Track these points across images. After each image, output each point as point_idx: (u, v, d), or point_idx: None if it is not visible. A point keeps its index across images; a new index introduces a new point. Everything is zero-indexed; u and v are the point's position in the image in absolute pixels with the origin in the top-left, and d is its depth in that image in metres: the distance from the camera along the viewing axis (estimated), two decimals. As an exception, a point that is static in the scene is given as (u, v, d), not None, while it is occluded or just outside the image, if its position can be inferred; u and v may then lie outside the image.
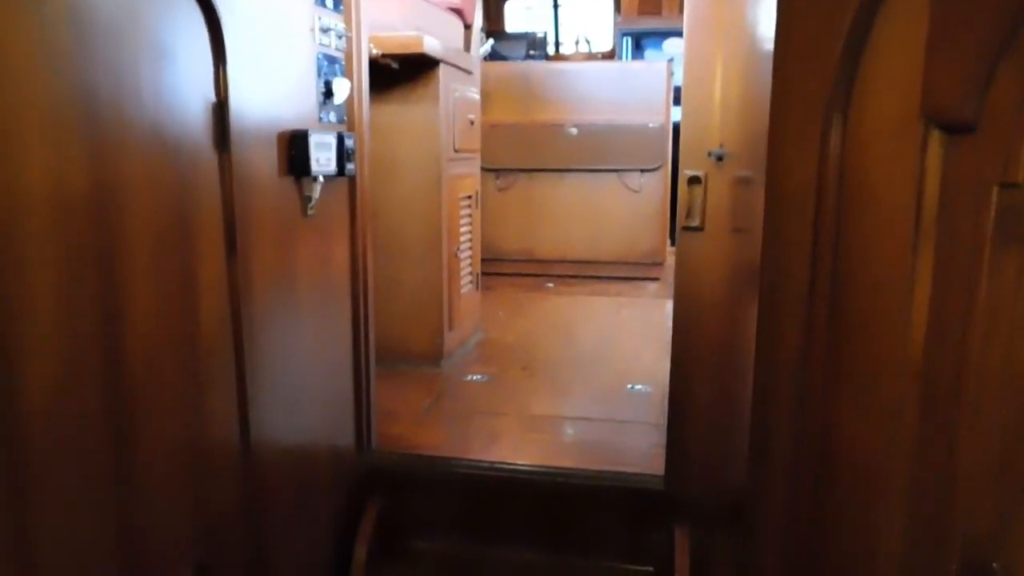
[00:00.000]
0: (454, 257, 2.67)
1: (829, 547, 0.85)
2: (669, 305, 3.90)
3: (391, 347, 2.49)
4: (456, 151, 2.63)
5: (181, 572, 1.12)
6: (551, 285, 4.30)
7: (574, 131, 4.37)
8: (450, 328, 2.65)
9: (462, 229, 2.78)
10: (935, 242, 0.70)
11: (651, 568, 1.75)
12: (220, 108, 1.16)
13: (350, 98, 1.63)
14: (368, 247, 1.78)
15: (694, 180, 1.56)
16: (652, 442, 1.95)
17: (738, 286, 1.38)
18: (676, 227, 1.64)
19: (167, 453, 1.07)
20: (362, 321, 1.81)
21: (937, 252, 0.71)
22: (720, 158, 1.53)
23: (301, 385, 1.51)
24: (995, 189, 0.67)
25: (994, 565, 0.71)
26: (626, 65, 5.60)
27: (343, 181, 1.63)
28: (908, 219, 0.71)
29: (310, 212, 1.48)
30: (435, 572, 1.76)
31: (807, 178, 0.79)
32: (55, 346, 0.87)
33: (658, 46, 6.85)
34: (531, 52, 6.08)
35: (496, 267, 4.39)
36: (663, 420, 2.10)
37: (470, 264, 2.90)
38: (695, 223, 1.57)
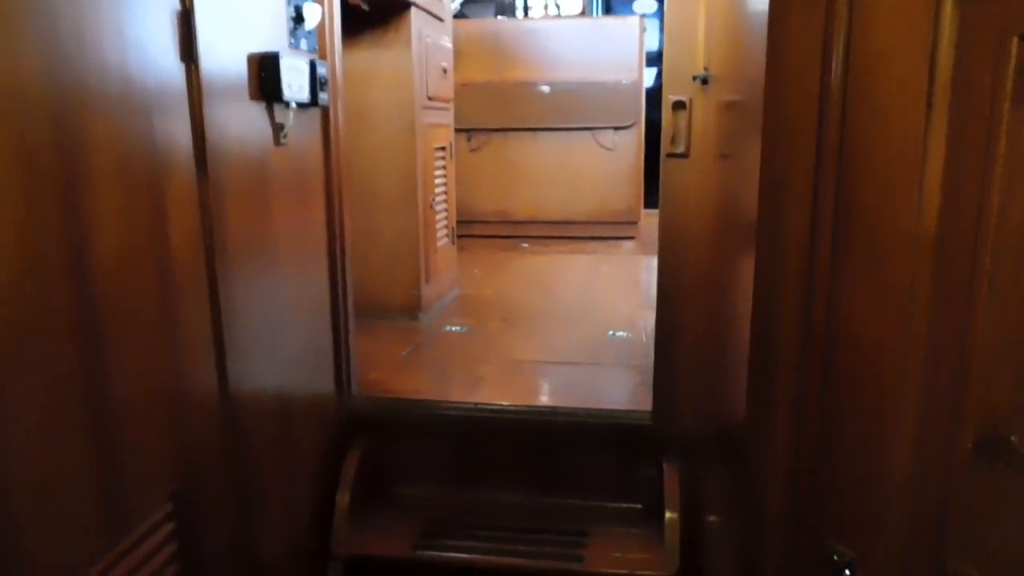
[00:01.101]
0: (430, 208, 2.61)
1: (839, 440, 0.83)
2: (646, 261, 3.90)
3: (368, 300, 2.43)
4: (430, 99, 2.57)
5: (158, 507, 1.07)
6: (526, 245, 4.26)
7: (546, 89, 4.31)
8: (427, 280, 2.60)
9: (437, 181, 2.72)
10: (950, 103, 0.67)
11: (639, 505, 1.74)
12: (186, 17, 1.09)
13: (321, 27, 1.57)
14: (343, 182, 1.73)
15: (679, 105, 1.52)
16: (637, 383, 1.92)
17: (727, 214, 1.35)
18: (661, 156, 1.60)
19: (140, 376, 1.02)
20: (339, 260, 1.76)
21: (952, 114, 0.68)
22: (705, 81, 1.49)
23: (278, 321, 1.45)
24: (1015, 41, 0.63)
25: (1012, 438, 0.69)
26: (597, 21, 5.53)
27: (316, 112, 1.57)
28: (921, 80, 0.68)
29: (283, 141, 1.42)
30: (420, 516, 1.73)
31: (812, 42, 0.75)
32: (16, 259, 0.81)
33: (628, 8, 6.79)
34: (499, 17, 5.99)
35: (470, 229, 4.33)
36: (647, 363, 2.08)
37: (445, 217, 2.85)
38: (680, 149, 1.54)
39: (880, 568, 0.79)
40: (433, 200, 2.65)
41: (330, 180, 1.67)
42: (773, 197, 0.84)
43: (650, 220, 4.86)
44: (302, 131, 1.51)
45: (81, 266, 0.91)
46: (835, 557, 0.83)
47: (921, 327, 0.72)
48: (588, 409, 1.73)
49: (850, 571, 0.82)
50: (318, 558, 1.63)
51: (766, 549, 0.95)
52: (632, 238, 4.43)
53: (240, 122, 1.28)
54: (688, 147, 1.53)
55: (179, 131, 1.11)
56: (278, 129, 1.40)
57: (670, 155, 1.56)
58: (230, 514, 1.26)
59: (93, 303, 0.92)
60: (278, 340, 1.46)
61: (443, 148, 2.79)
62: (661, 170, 1.60)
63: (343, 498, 1.66)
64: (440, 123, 2.74)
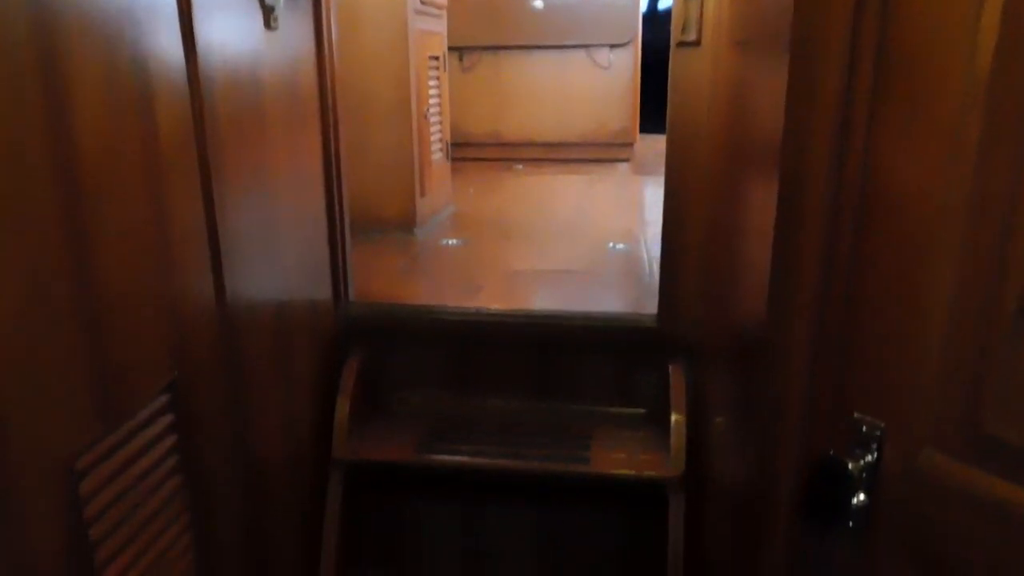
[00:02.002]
0: (424, 120, 2.53)
1: (870, 303, 0.79)
2: (643, 181, 3.84)
3: (361, 214, 2.36)
4: (423, 3, 2.46)
5: (154, 397, 1.03)
6: (520, 167, 4.17)
7: (540, 4, 4.17)
8: (422, 194, 2.53)
9: (431, 92, 2.63)
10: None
11: (643, 410, 1.72)
12: None
13: (310, -93, 1.47)
14: (336, 80, 1.65)
15: (690, -11, 1.45)
16: (640, 290, 1.89)
17: (741, 102, 1.29)
18: (671, 45, 1.52)
19: (131, 275, 0.96)
20: (333, 160, 1.69)
21: (1017, -64, 0.62)
22: (718, -37, 1.41)
23: (275, 231, 1.40)
24: None
25: (1061, 295, 0.65)
26: (592, -66, 5.33)
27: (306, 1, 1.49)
28: None
29: (273, 25, 1.33)
30: (421, 422, 1.70)
31: None
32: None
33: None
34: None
35: (462, 152, 4.24)
36: (648, 272, 2.05)
37: (440, 131, 2.77)
38: (691, 37, 1.46)
39: (912, 436, 0.76)
40: (427, 111, 2.57)
41: (323, 75, 1.59)
42: (806, 41, 0.78)
43: (645, 144, 4.78)
44: (293, 16, 1.42)
45: (65, 165, 0.84)
46: (863, 429, 0.81)
47: (967, 178, 0.68)
48: (592, 313, 1.70)
49: (879, 443, 0.80)
50: (319, 464, 1.61)
51: (785, 432, 0.92)
52: (627, 160, 4.36)
53: (228, 5, 1.20)
54: (700, 35, 1.46)
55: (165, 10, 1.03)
56: (268, 11, 1.32)
57: (681, 44, 1.48)
58: (229, 414, 1.23)
59: (78, 199, 0.86)
60: (274, 249, 1.41)
61: (436, 58, 2.70)
62: (671, 61, 1.53)
63: (342, 404, 1.63)
64: (434, 30, 2.64)
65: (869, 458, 0.81)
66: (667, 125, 1.57)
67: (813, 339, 0.86)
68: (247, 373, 1.30)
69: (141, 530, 0.98)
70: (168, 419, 1.05)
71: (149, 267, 1.01)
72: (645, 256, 2.21)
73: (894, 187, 0.74)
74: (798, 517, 0.92)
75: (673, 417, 1.55)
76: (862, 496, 0.81)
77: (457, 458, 1.59)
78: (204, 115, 1.11)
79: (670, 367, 1.61)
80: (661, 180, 3.31)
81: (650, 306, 1.73)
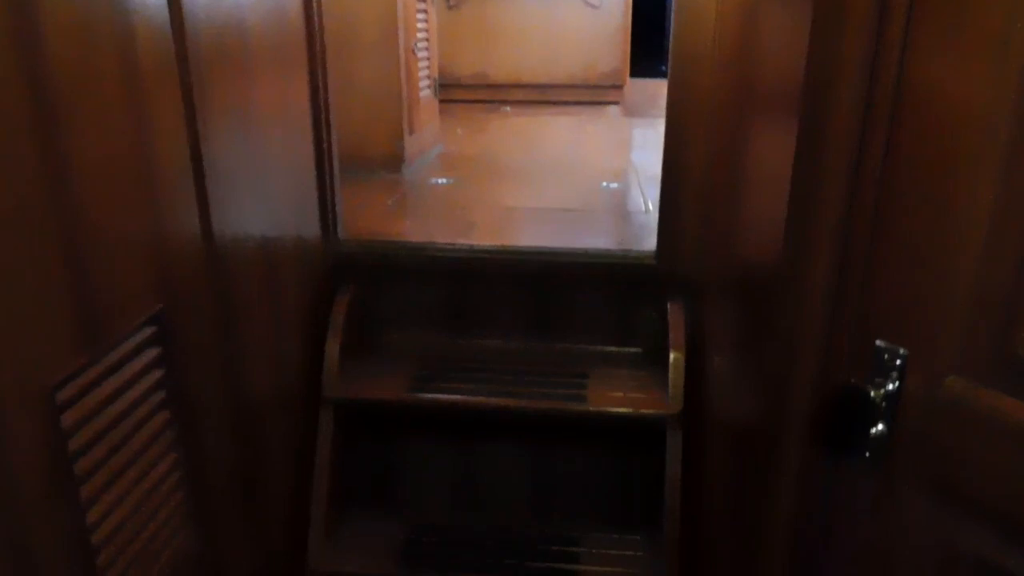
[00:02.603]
0: (411, 54, 2.44)
1: (899, 222, 0.75)
2: (634, 123, 3.76)
3: (346, 152, 2.28)
4: (409, -70, 2.35)
5: (139, 328, 0.98)
6: (508, 109, 4.08)
7: (529, -61, 4.03)
8: (411, 132, 2.46)
9: (419, 25, 2.53)
10: None
11: (640, 349, 1.69)
12: None
13: None
14: (322, 8, 1.57)
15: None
16: (636, 228, 1.85)
17: (753, 23, 1.23)
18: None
19: (113, 207, 0.90)
20: (321, 95, 1.62)
21: None
22: None
23: (262, 170, 1.33)
24: None
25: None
26: None
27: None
28: None
29: (255, -62, 1.25)
30: (413, 361, 1.67)
31: None
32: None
33: None
34: None
35: (448, 93, 4.12)
36: (645, 211, 2.00)
37: (428, 67, 2.68)
38: (697, -42, 1.39)
39: (936, 363, 0.73)
40: (415, 46, 2.48)
41: (309, 6, 1.51)
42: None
43: (636, 88, 4.68)
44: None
45: (38, 92, 0.77)
46: (885, 357, 0.78)
47: (1013, 89, 0.63)
48: (590, 250, 1.66)
49: (900, 371, 0.77)
50: (309, 403, 1.58)
51: (802, 363, 0.89)
52: (617, 103, 4.27)
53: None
54: (706, -44, 1.39)
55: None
56: (249, -77, 1.23)
57: (686, -34, 1.41)
58: (218, 349, 1.18)
59: (53, 127, 0.79)
60: (262, 184, 1.35)
61: (424, -12, 2.59)
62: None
63: (333, 343, 1.59)
64: (420, -43, 2.53)
65: (890, 387, 0.78)
66: (670, 53, 1.51)
67: (835, 266, 0.82)
68: (235, 308, 1.25)
69: (128, 467, 0.94)
70: (154, 352, 1.01)
71: (130, 197, 0.95)
72: (640, 195, 2.16)
73: (931, 101, 0.70)
74: (813, 446, 0.89)
75: (672, 355, 1.52)
76: (881, 425, 0.79)
77: (451, 397, 1.56)
78: (187, 47, 1.04)
79: (669, 305, 1.58)
80: (653, 123, 3.26)
81: (647, 244, 1.69)
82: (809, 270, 0.85)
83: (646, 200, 2.10)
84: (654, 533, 1.52)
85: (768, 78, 1.08)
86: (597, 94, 4.28)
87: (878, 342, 0.79)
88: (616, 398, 1.53)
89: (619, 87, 4.30)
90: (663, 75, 5.03)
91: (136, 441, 0.96)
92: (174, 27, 1.02)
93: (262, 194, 1.35)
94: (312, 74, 1.59)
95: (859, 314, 0.81)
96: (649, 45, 5.55)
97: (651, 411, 1.50)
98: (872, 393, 0.78)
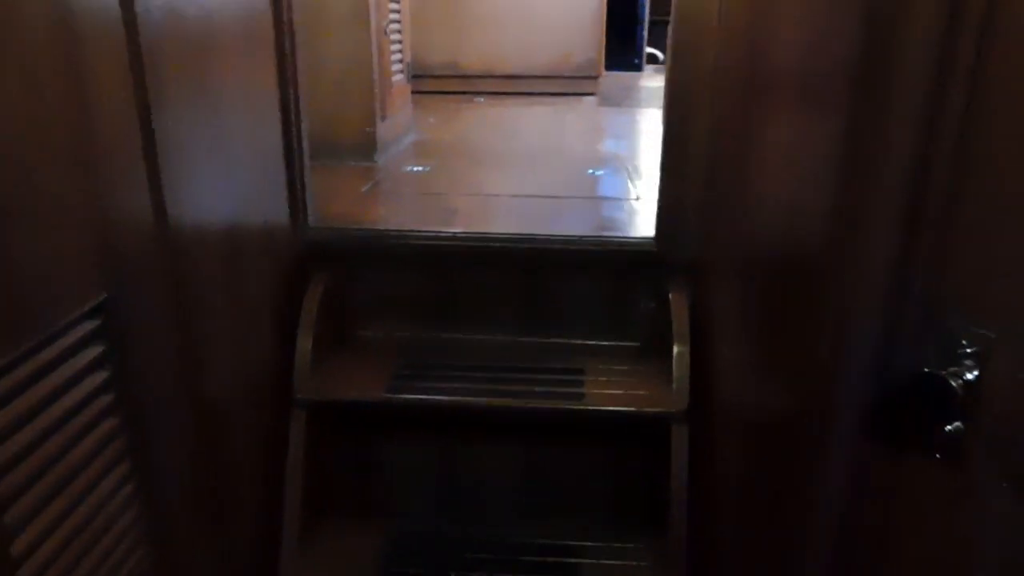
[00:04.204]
0: (384, 35, 2.30)
1: (982, 182, 0.64)
2: (614, 112, 3.65)
3: (314, 137, 2.14)
4: (380, -99, 2.21)
5: (79, 321, 0.83)
6: (482, 100, 3.95)
7: (501, -77, 3.91)
8: (383, 117, 2.31)
9: (392, 5, 2.39)
10: None
11: (637, 343, 1.58)
12: None
13: None
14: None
15: None
16: (628, 213, 1.73)
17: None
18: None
19: (49, 186, 0.76)
20: (289, 73, 1.48)
21: None
22: None
23: (225, 153, 1.19)
24: None
25: None
26: None
27: None
28: None
29: None
30: (393, 358, 1.53)
31: None
32: None
33: None
34: None
35: (417, 84, 3.98)
36: (637, 197, 1.89)
37: (401, 50, 2.54)
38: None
39: (1032, 345, 0.62)
40: (387, 26, 2.34)
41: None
42: None
43: (611, 79, 4.58)
44: None
45: None
46: (963, 339, 0.67)
47: None
48: (584, 236, 1.53)
49: (982, 356, 0.65)
50: (279, 403, 1.43)
51: (853, 350, 0.78)
52: (593, 94, 4.16)
53: None
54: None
55: None
56: None
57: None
58: (173, 345, 1.04)
59: None
60: (225, 166, 1.20)
61: (396, -34, 2.45)
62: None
63: (304, 337, 1.45)
64: (392, -65, 2.39)
65: (968, 376, 0.67)
66: (671, 22, 1.40)
67: (901, 232, 0.71)
68: (193, 300, 1.10)
69: (67, 483, 0.79)
70: (98, 349, 0.86)
71: (64, 165, 0.80)
72: (629, 182, 2.05)
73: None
74: (868, 443, 0.78)
75: (676, 347, 1.40)
76: (957, 420, 0.68)
77: (434, 398, 1.43)
78: (135, 9, 0.90)
79: (671, 293, 1.46)
80: (633, 112, 3.14)
81: (641, 230, 1.58)
82: (866, 239, 0.74)
83: (635, 187, 1.98)
84: (658, 539, 1.41)
85: (796, 42, 0.97)
86: (572, 85, 4.17)
87: (953, 325, 0.68)
88: (616, 396, 1.41)
89: (594, 78, 4.20)
90: (636, 68, 4.96)
91: (77, 453, 0.81)
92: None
93: (225, 175, 1.21)
94: (280, 51, 1.45)
95: (930, 289, 0.70)
96: (624, 36, 5.47)
97: (655, 409, 1.38)
98: (953, 383, 0.67)
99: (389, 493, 1.57)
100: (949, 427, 0.68)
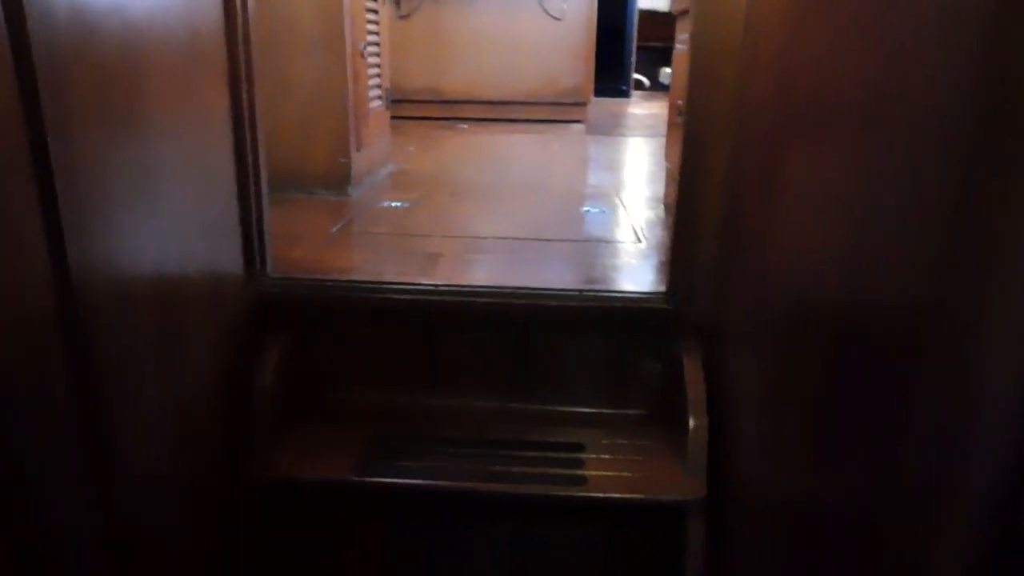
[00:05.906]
0: (360, 57, 2.11)
1: None
2: (603, 142, 3.49)
3: (280, 169, 1.92)
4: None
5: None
6: (465, 126, 3.77)
7: (486, -55, 3.76)
8: (358, 147, 2.12)
9: (369, 26, 2.21)
10: None
11: (643, 411, 1.38)
12: None
13: None
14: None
15: None
16: (630, 259, 1.54)
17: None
18: None
19: None
20: (244, 96, 1.28)
21: None
22: None
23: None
24: None
25: None
26: None
27: None
28: None
29: None
30: (364, 431, 1.32)
31: None
32: None
33: None
34: None
35: (398, 109, 3.80)
36: (639, 240, 1.70)
37: (378, 74, 2.35)
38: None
39: None
40: (363, 48, 2.15)
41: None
42: None
43: (600, 106, 4.43)
44: None
45: None
46: None
47: None
48: (582, 291, 1.34)
49: None
50: (228, 488, 1.21)
51: (975, 433, 0.58)
52: (580, 121, 4.00)
53: None
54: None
55: None
56: None
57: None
58: (78, 438, 0.82)
59: None
60: (155, 203, 0.99)
61: (374, -16, 2.27)
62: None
63: (259, 407, 1.24)
64: (370, -52, 2.21)
65: None
66: (691, 36, 1.21)
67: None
68: (107, 367, 0.89)
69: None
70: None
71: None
72: (629, 223, 1.86)
73: None
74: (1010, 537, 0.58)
75: (692, 420, 1.21)
76: None
77: (408, 480, 1.22)
78: (28, 33, 0.69)
79: (684, 356, 1.26)
80: (623, 142, 2.97)
81: (647, 282, 1.39)
82: (982, 300, 0.54)
83: (637, 228, 1.80)
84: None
85: (856, 67, 0.78)
86: (559, 112, 4.01)
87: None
88: (623, 479, 1.21)
89: (582, 104, 4.04)
90: (623, 94, 4.82)
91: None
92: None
93: (152, 213, 0.99)
94: (233, 73, 1.25)
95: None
96: (614, 60, 5.33)
97: (670, 497, 1.18)
98: None
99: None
100: None
